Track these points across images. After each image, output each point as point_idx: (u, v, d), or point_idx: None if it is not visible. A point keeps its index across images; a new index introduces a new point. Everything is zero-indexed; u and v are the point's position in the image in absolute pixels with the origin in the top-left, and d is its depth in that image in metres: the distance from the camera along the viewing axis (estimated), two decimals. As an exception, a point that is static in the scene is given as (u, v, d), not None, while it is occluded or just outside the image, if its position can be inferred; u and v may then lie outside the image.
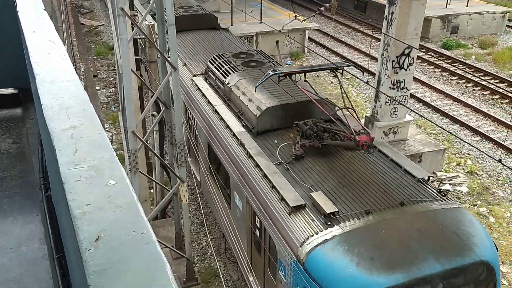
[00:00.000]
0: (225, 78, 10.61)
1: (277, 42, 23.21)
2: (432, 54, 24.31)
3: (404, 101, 14.31)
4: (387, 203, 6.78)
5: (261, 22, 22.37)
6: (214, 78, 11.22)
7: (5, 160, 4.09)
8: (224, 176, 9.54)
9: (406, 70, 13.90)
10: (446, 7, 27.27)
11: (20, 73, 4.84)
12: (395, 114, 14.43)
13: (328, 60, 16.09)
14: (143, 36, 9.38)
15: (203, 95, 11.08)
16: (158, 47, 8.63)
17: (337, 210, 6.49)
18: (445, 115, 18.15)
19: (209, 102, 10.66)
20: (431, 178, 7.77)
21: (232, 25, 23.17)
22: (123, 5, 7.20)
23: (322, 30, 27.60)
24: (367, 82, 10.54)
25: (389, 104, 14.15)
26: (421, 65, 23.06)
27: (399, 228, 6.31)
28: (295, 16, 15.23)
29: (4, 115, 4.80)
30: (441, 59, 23.57)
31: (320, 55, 16.25)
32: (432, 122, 10.50)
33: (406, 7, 12.94)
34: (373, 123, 14.53)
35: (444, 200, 6.98)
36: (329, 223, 6.31)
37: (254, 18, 21.30)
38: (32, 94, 4.57)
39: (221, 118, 9.81)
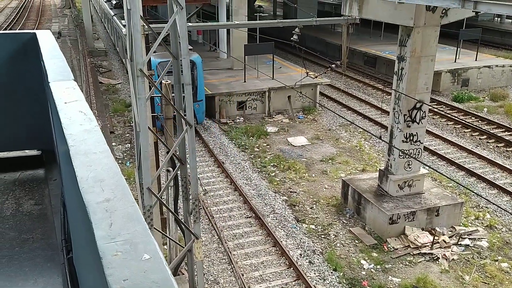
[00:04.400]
0: None
1: (289, 97, 23.65)
2: (444, 107, 24.48)
3: (418, 154, 14.29)
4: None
5: (273, 78, 22.91)
6: None
7: (27, 222, 4.15)
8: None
9: (418, 123, 13.98)
10: (455, 61, 27.76)
11: (43, 134, 5.01)
12: (409, 167, 14.37)
13: (339, 115, 16.26)
14: (160, 95, 9.66)
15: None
16: (175, 105, 8.87)
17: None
18: (461, 167, 18.00)
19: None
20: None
21: (245, 81, 23.77)
22: (142, 66, 7.50)
23: (333, 85, 28.12)
24: (380, 137, 10.62)
25: (403, 157, 14.13)
26: (433, 118, 23.17)
27: None
28: (307, 72, 15.62)
29: (27, 176, 4.92)
30: (453, 112, 23.70)
31: (331, 110, 16.49)
32: (446, 176, 10.45)
33: (415, 63, 13.22)
34: (387, 176, 14.46)
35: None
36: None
37: (266, 74, 21.86)
38: (56, 156, 4.71)
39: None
